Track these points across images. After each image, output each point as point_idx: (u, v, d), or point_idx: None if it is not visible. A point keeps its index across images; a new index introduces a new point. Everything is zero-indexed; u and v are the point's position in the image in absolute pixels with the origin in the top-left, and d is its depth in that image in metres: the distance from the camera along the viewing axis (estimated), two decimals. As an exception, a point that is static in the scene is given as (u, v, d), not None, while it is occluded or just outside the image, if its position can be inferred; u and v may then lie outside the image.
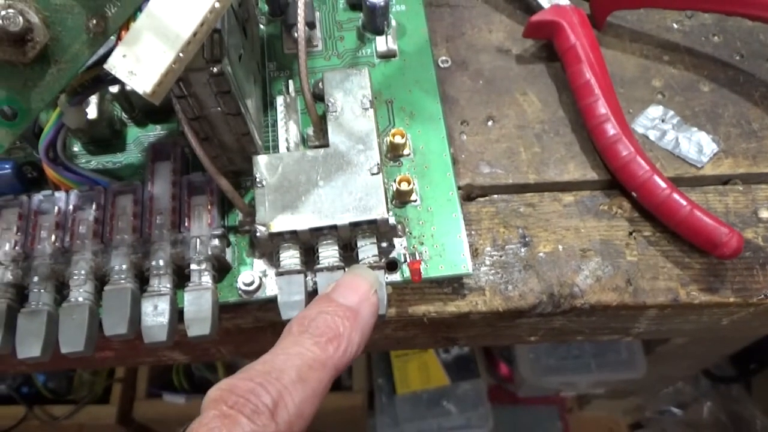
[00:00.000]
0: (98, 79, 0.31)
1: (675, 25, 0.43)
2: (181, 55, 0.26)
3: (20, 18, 0.24)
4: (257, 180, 0.33)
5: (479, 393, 1.10)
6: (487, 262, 0.36)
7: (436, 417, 1.09)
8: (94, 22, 0.27)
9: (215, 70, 0.29)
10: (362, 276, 0.29)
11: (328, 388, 0.25)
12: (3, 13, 0.24)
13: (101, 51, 0.29)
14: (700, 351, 0.97)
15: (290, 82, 0.38)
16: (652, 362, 1.02)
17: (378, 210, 0.32)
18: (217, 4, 0.27)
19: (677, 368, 1.10)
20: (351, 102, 0.35)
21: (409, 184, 0.35)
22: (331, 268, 0.32)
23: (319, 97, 0.37)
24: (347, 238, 0.33)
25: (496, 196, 0.38)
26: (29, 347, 0.30)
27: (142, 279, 0.33)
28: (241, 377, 0.24)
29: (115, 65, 0.26)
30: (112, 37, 0.28)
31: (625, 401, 1.19)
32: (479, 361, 1.14)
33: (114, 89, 0.36)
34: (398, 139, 0.36)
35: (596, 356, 1.05)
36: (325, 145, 0.34)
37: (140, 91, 0.26)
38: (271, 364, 0.24)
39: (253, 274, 0.33)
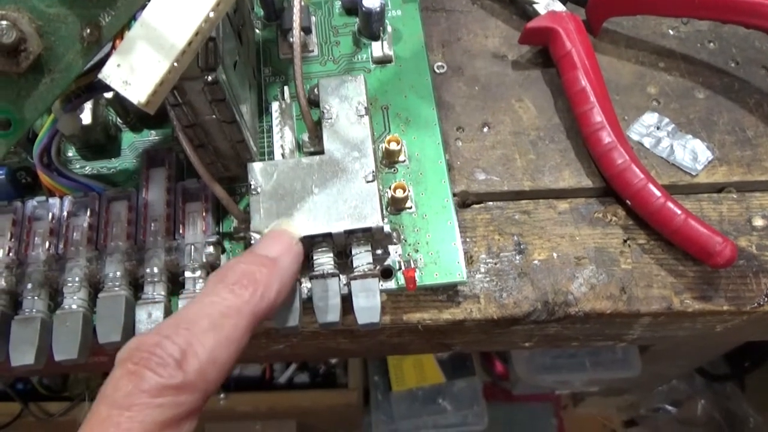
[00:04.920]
0: (93, 86, 0.31)
1: (671, 32, 0.43)
2: (175, 64, 0.26)
3: (13, 31, 0.24)
4: (252, 187, 0.33)
5: (474, 390, 1.11)
6: (482, 270, 0.36)
7: (432, 414, 1.10)
8: (88, 31, 0.26)
9: (210, 78, 0.29)
10: (285, 230, 0.30)
11: (246, 334, 0.25)
12: (-4, 24, 0.24)
13: (97, 57, 0.29)
14: (694, 350, 0.98)
15: (285, 87, 0.38)
16: (646, 361, 1.02)
17: (373, 218, 0.31)
18: (212, 14, 0.27)
19: (672, 367, 1.10)
20: (346, 109, 0.35)
21: (405, 191, 0.35)
22: (325, 276, 0.31)
23: (314, 102, 0.36)
24: (342, 246, 0.33)
25: (491, 203, 0.38)
26: (23, 354, 0.30)
27: (136, 286, 0.33)
28: (149, 333, 0.23)
29: (109, 75, 0.26)
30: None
31: (620, 399, 1.19)
32: (475, 359, 1.14)
33: (109, 95, 0.36)
34: (393, 146, 0.36)
35: (591, 355, 1.05)
36: (320, 152, 0.34)
37: (135, 101, 0.26)
38: (181, 317, 0.24)
39: (248, 282, 0.33)
